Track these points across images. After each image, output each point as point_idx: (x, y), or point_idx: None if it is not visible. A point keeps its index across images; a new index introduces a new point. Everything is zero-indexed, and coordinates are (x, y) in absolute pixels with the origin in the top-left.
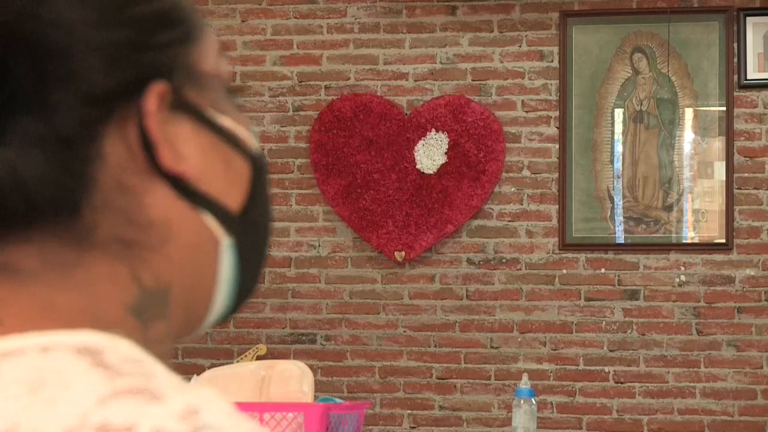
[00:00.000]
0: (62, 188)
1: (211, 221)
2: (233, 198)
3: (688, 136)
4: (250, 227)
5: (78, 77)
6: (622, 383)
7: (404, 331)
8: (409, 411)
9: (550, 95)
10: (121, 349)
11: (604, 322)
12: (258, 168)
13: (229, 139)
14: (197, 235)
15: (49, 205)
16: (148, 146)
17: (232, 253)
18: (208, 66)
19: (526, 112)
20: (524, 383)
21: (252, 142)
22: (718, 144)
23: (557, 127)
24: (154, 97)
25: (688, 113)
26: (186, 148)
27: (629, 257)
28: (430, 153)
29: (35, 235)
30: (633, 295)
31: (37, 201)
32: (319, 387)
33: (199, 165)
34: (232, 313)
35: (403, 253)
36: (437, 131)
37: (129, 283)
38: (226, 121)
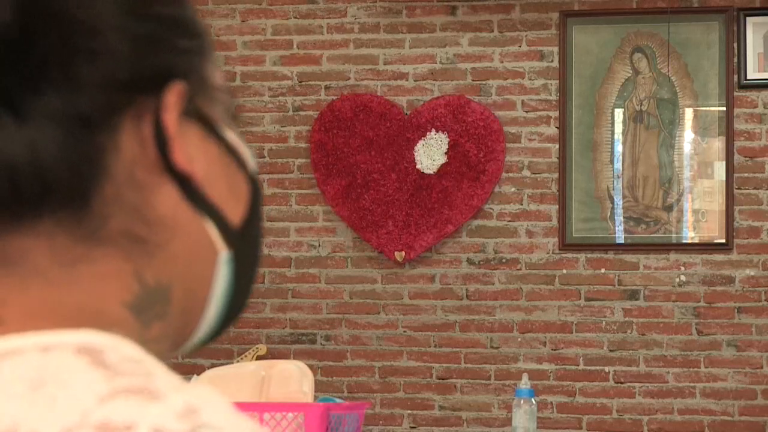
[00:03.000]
0: (77, 173)
1: (212, 230)
2: (234, 212)
3: (688, 136)
4: (247, 244)
5: (104, 57)
6: (622, 383)
7: (404, 331)
8: (409, 411)
9: (550, 95)
10: (120, 348)
11: (604, 322)
12: (256, 189)
13: (234, 154)
14: (199, 241)
15: (63, 190)
16: (160, 144)
17: (229, 267)
18: (216, 81)
19: (526, 112)
20: (524, 383)
21: (251, 163)
22: (718, 144)
23: (557, 127)
24: (175, 94)
25: (688, 113)
26: (195, 153)
27: (629, 257)
28: (430, 153)
29: (46, 225)
30: (633, 295)
31: (52, 183)
32: (319, 387)
33: (206, 171)
34: (218, 334)
35: (403, 253)
36: (437, 131)
37: (131, 281)
38: (231, 137)
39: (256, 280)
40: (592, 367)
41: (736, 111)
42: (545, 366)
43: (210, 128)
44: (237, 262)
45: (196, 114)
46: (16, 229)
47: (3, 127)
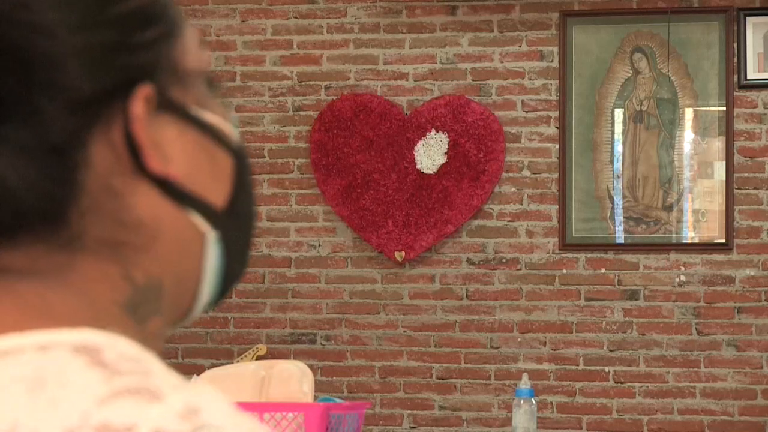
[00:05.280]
0: (49, 196)
1: (196, 217)
2: (218, 193)
3: (688, 136)
4: (236, 219)
5: (63, 83)
6: (622, 383)
7: (404, 331)
8: (409, 411)
9: (550, 95)
10: (119, 347)
11: (604, 322)
12: (240, 160)
13: (213, 135)
14: (184, 232)
15: (35, 214)
16: (133, 148)
17: (218, 245)
18: (190, 61)
19: (526, 112)
20: (524, 383)
21: (234, 134)
22: (718, 144)
23: (557, 127)
24: (140, 101)
25: (688, 113)
26: (172, 149)
27: (629, 257)
28: (430, 153)
29: (22, 240)
30: (633, 295)
31: (23, 210)
32: (319, 387)
33: (184, 165)
34: (219, 300)
35: (403, 253)
36: (437, 131)
37: (121, 282)
38: (209, 117)
39: (251, 246)
40: (592, 367)
41: (736, 111)
42: (545, 366)
43: (185, 116)
44: (227, 239)
45: (169, 105)
46: None
47: None
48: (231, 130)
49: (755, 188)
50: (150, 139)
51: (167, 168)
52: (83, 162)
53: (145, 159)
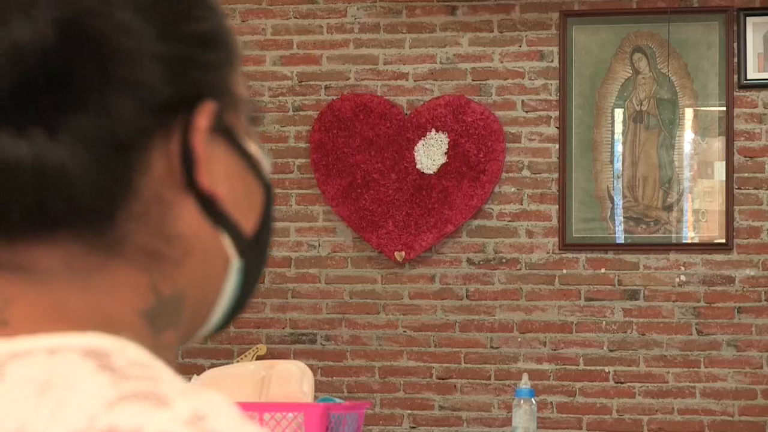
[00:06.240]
0: (104, 193)
1: (227, 242)
2: (249, 222)
3: (688, 136)
4: (257, 250)
5: (141, 83)
6: (622, 383)
7: (404, 331)
8: (409, 411)
9: (550, 95)
10: (128, 352)
11: (604, 322)
12: (269, 195)
13: (252, 165)
14: (213, 253)
15: (87, 208)
16: (186, 162)
17: (239, 273)
18: (241, 91)
19: (526, 112)
20: (524, 383)
21: (267, 169)
22: (718, 144)
23: (557, 127)
24: (205, 115)
25: (688, 113)
26: (218, 170)
27: (629, 257)
28: (430, 153)
29: (62, 237)
30: (633, 295)
31: (79, 203)
32: (319, 387)
33: (227, 188)
34: (223, 327)
35: (403, 253)
36: (437, 131)
37: (146, 292)
38: (252, 148)
39: (260, 279)
40: (592, 367)
41: (736, 111)
42: (545, 366)
43: (234, 142)
44: (247, 268)
45: (223, 129)
46: (30, 237)
47: (36, 144)
48: (266, 162)
49: (755, 188)
50: (205, 154)
51: (215, 186)
52: (142, 165)
53: (198, 173)
